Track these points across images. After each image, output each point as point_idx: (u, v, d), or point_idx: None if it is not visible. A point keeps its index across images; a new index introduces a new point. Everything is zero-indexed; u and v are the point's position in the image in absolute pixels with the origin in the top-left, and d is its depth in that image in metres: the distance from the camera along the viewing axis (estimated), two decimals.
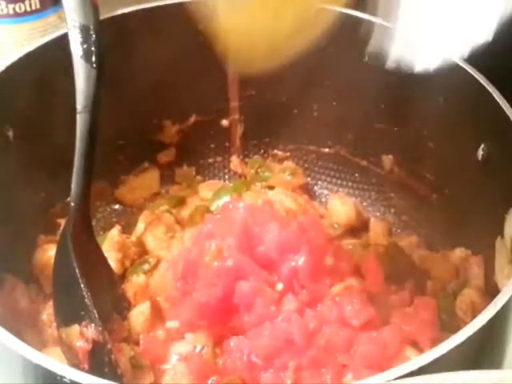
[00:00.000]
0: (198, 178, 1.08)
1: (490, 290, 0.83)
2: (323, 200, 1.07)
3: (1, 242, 0.85)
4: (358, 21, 0.93)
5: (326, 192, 1.08)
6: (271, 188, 1.02)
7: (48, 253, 0.90)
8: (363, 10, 0.93)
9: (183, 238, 0.93)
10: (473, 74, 0.84)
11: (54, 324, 0.82)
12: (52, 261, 0.84)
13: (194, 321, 0.81)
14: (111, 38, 0.88)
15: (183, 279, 0.84)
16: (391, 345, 0.77)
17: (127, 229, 0.96)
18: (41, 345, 0.83)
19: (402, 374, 0.57)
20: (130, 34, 0.94)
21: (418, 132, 0.94)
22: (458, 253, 0.91)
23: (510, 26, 1.09)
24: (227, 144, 1.09)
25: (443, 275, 0.89)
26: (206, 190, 1.04)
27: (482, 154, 0.83)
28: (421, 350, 0.79)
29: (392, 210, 1.04)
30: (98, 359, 0.76)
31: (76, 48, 0.84)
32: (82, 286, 0.78)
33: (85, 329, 0.77)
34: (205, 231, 0.87)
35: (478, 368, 0.63)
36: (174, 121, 1.04)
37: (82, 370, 0.73)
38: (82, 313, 0.78)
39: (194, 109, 1.04)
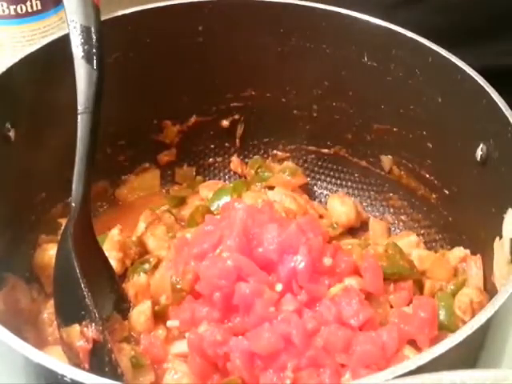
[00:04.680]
0: (199, 178, 1.09)
1: (489, 290, 0.84)
2: (323, 200, 1.08)
3: (2, 241, 0.85)
4: (357, 21, 0.93)
5: (325, 192, 1.09)
6: (271, 188, 1.02)
7: (49, 252, 0.90)
8: (364, 11, 0.94)
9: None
10: (471, 74, 0.84)
11: (55, 323, 0.83)
12: (53, 260, 0.84)
13: (194, 320, 0.82)
14: (112, 39, 0.88)
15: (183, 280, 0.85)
16: (390, 344, 0.77)
17: (128, 228, 0.96)
18: (41, 344, 0.83)
19: (400, 373, 0.57)
20: (130, 35, 0.94)
21: (417, 132, 0.94)
22: (457, 252, 0.91)
23: None
24: (227, 144, 1.09)
25: (442, 275, 0.90)
26: (206, 190, 1.05)
27: (481, 155, 0.83)
28: (419, 350, 0.80)
29: (391, 210, 1.05)
30: (98, 359, 0.76)
31: (77, 49, 0.84)
32: (83, 285, 0.79)
33: (85, 328, 0.77)
34: (205, 232, 0.87)
35: (476, 367, 0.63)
36: (174, 121, 1.05)
37: (83, 369, 0.74)
38: (83, 312, 0.78)
39: (194, 109, 1.05)
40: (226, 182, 1.09)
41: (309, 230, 0.84)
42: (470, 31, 1.14)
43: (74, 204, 0.84)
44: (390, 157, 1.01)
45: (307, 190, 1.07)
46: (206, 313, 0.81)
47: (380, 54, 0.93)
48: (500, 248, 0.78)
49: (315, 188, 1.09)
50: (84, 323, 0.77)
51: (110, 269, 0.89)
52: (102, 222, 0.98)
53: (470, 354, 0.66)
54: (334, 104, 1.01)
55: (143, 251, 0.94)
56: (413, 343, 0.81)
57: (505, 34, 1.15)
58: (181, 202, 1.04)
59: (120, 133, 1.01)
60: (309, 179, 1.08)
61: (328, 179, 1.08)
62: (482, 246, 0.85)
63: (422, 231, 1.01)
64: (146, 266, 0.90)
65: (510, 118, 0.78)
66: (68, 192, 0.85)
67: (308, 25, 0.96)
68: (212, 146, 1.09)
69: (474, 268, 0.87)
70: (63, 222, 0.90)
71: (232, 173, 1.10)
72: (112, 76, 0.87)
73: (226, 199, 0.99)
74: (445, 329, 0.83)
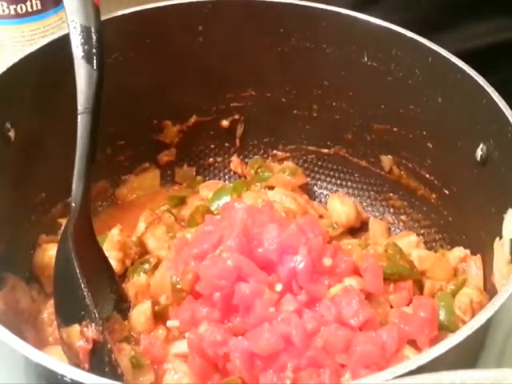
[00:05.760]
0: (199, 178, 1.09)
1: (489, 290, 0.84)
2: (323, 200, 1.08)
3: (2, 241, 0.85)
4: (357, 21, 0.93)
5: (325, 192, 1.09)
6: (271, 188, 1.02)
7: (49, 252, 0.90)
8: (363, 11, 0.94)
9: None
10: (471, 74, 0.84)
11: (55, 323, 0.83)
12: (53, 260, 0.84)
13: (194, 320, 0.82)
14: (112, 39, 0.88)
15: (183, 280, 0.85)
16: (389, 344, 0.77)
17: (128, 228, 0.96)
18: (41, 344, 0.83)
19: (400, 373, 0.57)
20: (130, 35, 0.94)
21: (417, 132, 0.95)
22: (457, 252, 0.91)
23: None
24: (227, 144, 1.09)
25: (442, 275, 0.90)
26: (206, 190, 1.05)
27: (481, 155, 0.83)
28: (419, 350, 0.80)
29: (391, 210, 1.05)
30: (98, 359, 0.76)
31: (77, 49, 0.85)
32: (83, 285, 0.79)
33: (85, 328, 0.77)
34: (205, 232, 0.87)
35: (476, 367, 0.63)
36: (174, 121, 1.05)
37: (83, 369, 0.74)
38: (83, 313, 0.78)
39: (194, 109, 1.05)
40: (226, 182, 1.09)
41: (309, 230, 0.84)
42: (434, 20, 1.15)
43: (73, 204, 0.84)
44: (390, 157, 1.01)
45: (307, 190, 1.07)
46: (206, 313, 0.81)
47: (380, 54, 0.93)
48: (500, 248, 0.78)
49: (315, 188, 1.09)
50: (84, 323, 0.77)
51: (110, 269, 0.89)
52: (102, 222, 0.98)
53: (470, 354, 0.66)
54: (334, 104, 1.01)
55: (143, 251, 0.94)
56: (413, 343, 0.80)
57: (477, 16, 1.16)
58: (181, 201, 1.04)
59: (120, 133, 1.01)
60: (309, 179, 1.08)
61: (328, 179, 1.08)
62: (482, 246, 0.85)
63: (422, 231, 1.01)
64: (146, 266, 0.90)
65: (510, 118, 0.78)
66: (68, 192, 0.85)
67: (308, 25, 0.96)
68: (212, 146, 1.09)
69: (473, 268, 0.87)
70: (63, 222, 0.90)
71: (232, 173, 1.10)
72: (112, 76, 0.87)
73: (225, 199, 0.99)
74: (445, 329, 0.83)
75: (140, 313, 0.85)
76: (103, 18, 0.89)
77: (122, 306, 0.87)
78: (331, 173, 1.08)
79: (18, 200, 0.89)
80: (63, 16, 0.94)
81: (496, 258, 0.80)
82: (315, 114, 1.03)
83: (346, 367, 0.76)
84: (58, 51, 0.87)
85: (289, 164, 1.08)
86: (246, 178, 1.08)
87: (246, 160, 1.10)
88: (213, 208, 0.99)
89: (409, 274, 0.88)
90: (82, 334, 0.77)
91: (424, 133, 0.94)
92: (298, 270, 0.80)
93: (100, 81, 0.85)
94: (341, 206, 1.01)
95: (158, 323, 0.86)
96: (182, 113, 1.05)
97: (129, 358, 0.80)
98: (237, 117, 1.06)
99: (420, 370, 0.57)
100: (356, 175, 1.06)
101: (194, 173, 1.09)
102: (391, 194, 1.04)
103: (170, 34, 0.97)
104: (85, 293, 0.78)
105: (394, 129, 0.98)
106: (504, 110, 0.79)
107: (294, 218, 0.92)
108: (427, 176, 0.96)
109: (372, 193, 1.06)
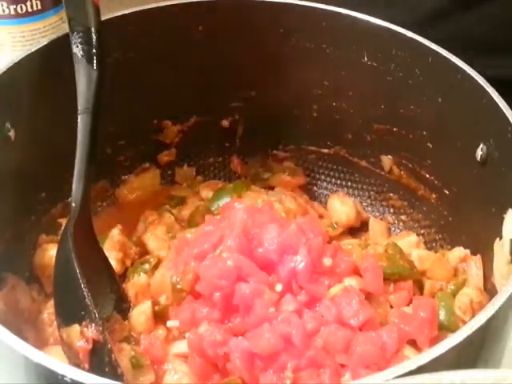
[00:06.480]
0: (199, 178, 1.09)
1: (489, 290, 0.84)
2: (323, 200, 1.08)
3: (2, 241, 0.85)
4: (357, 21, 0.93)
5: (325, 192, 1.09)
6: (271, 188, 1.02)
7: (49, 252, 0.90)
8: (363, 11, 0.94)
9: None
10: (472, 74, 0.84)
11: (55, 323, 0.83)
12: (53, 260, 0.84)
13: (194, 320, 0.82)
14: (112, 39, 0.88)
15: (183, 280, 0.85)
16: (390, 345, 0.77)
17: (128, 228, 0.96)
18: (41, 344, 0.83)
19: (400, 373, 0.57)
20: (130, 35, 0.94)
21: (417, 132, 0.95)
22: (457, 252, 0.91)
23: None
24: (227, 144, 1.09)
25: (442, 275, 0.90)
26: (206, 190, 1.05)
27: (481, 155, 0.83)
28: (419, 350, 0.80)
29: (391, 210, 1.05)
30: (98, 359, 0.76)
31: (77, 49, 0.85)
32: (83, 285, 0.79)
33: (85, 329, 0.77)
34: (205, 232, 0.87)
35: (476, 367, 0.63)
36: (174, 121, 1.05)
37: (83, 369, 0.74)
38: (83, 313, 0.78)
39: (194, 109, 1.05)
40: (226, 182, 1.09)
41: (309, 230, 0.84)
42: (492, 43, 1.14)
43: (74, 204, 0.84)
44: (390, 157, 1.01)
45: (307, 190, 1.07)
46: (206, 313, 0.81)
47: (380, 54, 0.93)
48: (500, 248, 0.78)
49: (315, 188, 1.09)
50: (84, 323, 0.77)
51: (110, 269, 0.89)
52: (102, 222, 0.98)
53: (470, 354, 0.66)
54: (334, 104, 1.01)
55: (143, 251, 0.94)
56: (413, 343, 0.81)
57: None
58: (181, 201, 1.04)
59: (120, 133, 1.01)
60: (309, 179, 1.08)
61: (328, 179, 1.08)
62: (482, 246, 0.85)
63: (422, 231, 1.01)
64: (146, 266, 0.90)
65: (510, 118, 0.78)
66: (68, 192, 0.85)
67: (308, 25, 0.96)
68: (212, 146, 1.09)
69: (473, 268, 0.87)
70: (63, 222, 0.90)
71: (232, 173, 1.10)
72: (112, 76, 0.87)
73: (226, 199, 0.99)
74: (445, 329, 0.83)
75: (140, 313, 0.85)
76: (103, 17, 0.89)
77: (122, 306, 0.87)
78: (331, 173, 1.08)
79: (18, 200, 0.89)
80: (63, 16, 0.94)
81: (496, 258, 0.80)
82: (315, 114, 1.03)
83: (346, 367, 0.76)
84: (58, 51, 0.87)
85: (289, 164, 1.08)
86: (246, 178, 1.08)
87: (246, 160, 1.10)
88: (213, 208, 0.99)
89: (409, 273, 0.88)
90: (82, 334, 0.77)
91: (424, 133, 0.94)
92: (298, 270, 0.80)
93: (100, 81, 0.85)
94: (341, 206, 1.01)
95: (157, 323, 0.86)
96: (182, 113, 1.05)
97: (129, 358, 0.80)
98: (237, 117, 1.06)
99: (420, 369, 0.57)
100: (356, 175, 1.06)
101: (194, 173, 1.09)
102: (391, 194, 1.04)
103: (170, 33, 0.97)
104: (85, 293, 0.78)
105: (394, 129, 0.98)
106: (504, 110, 0.79)
107: (294, 217, 0.92)
108: (427, 176, 0.96)
109: (372, 193, 1.06)
